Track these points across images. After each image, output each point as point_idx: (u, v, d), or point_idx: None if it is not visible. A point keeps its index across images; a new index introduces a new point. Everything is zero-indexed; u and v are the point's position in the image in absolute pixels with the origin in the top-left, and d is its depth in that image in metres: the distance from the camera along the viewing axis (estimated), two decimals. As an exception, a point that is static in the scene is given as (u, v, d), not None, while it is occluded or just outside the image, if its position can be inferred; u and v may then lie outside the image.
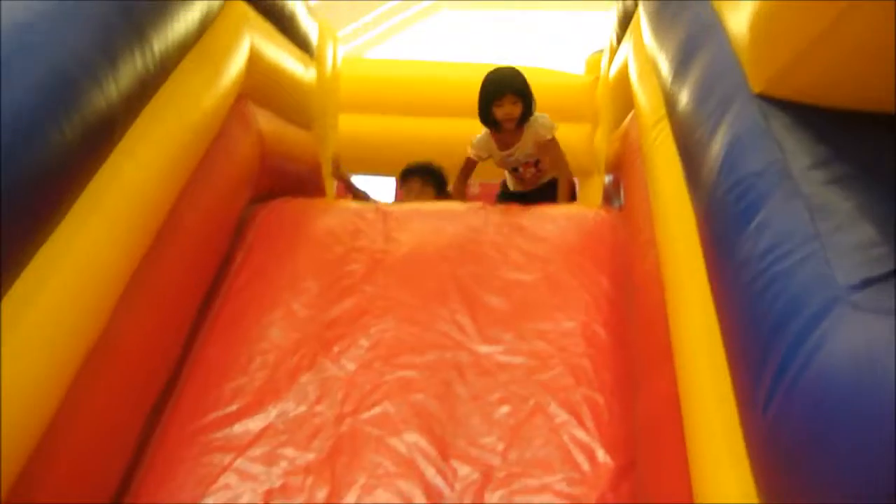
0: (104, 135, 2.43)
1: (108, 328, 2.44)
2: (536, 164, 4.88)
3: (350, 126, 6.80)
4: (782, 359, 1.45)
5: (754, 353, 1.60)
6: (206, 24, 3.23)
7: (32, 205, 2.10)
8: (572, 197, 4.99)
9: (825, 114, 1.84)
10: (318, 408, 2.91)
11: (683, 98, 2.49)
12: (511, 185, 5.09)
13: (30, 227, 2.11)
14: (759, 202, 1.75)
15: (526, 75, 4.74)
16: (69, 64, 2.26)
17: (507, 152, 4.84)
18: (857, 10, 1.45)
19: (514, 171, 4.98)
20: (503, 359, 3.11)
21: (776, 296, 1.56)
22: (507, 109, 4.65)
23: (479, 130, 5.03)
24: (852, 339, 1.34)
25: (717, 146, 2.05)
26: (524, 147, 4.80)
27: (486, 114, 4.76)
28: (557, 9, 12.31)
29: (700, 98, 2.32)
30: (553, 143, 4.76)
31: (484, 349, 3.15)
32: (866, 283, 1.41)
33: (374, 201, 4.82)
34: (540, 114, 4.75)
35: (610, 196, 4.96)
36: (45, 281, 2.16)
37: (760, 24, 1.93)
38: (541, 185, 4.93)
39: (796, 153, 1.76)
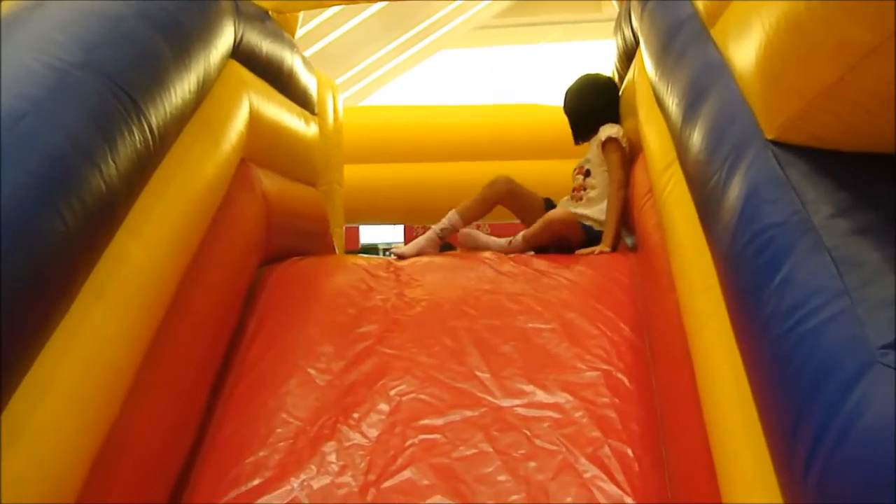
0: (106, 218, 2.39)
1: (119, 419, 2.38)
2: (587, 174, 4.71)
3: (354, 176, 6.77)
4: (818, 424, 1.40)
5: (787, 416, 1.55)
6: (203, 93, 3.19)
7: (37, 298, 2.06)
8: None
9: (843, 158, 1.79)
10: (342, 478, 2.84)
11: (694, 143, 2.44)
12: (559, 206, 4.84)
13: (37, 321, 2.07)
14: (782, 255, 1.70)
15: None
16: (66, 149, 2.23)
17: None
18: (872, 59, 1.40)
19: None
20: (527, 412, 3.04)
21: (806, 357, 1.50)
22: None
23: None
24: (889, 404, 1.28)
25: (733, 195, 2.00)
26: (590, 149, 4.76)
27: None
28: (556, 41, 12.38)
29: (712, 144, 2.28)
30: (608, 146, 4.60)
31: (506, 403, 3.08)
32: (899, 342, 1.36)
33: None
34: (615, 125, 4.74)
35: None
36: (51, 378, 2.10)
37: (770, 70, 1.88)
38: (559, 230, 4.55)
39: (816, 202, 1.71)
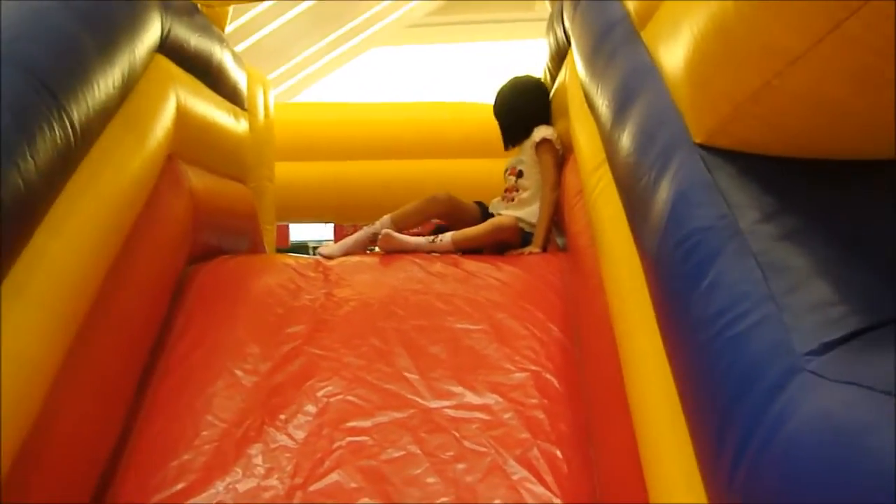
0: (24, 215, 2.34)
1: (41, 416, 2.33)
2: (519, 174, 4.73)
3: (283, 173, 6.69)
4: (743, 430, 1.40)
5: (713, 420, 1.54)
6: (128, 87, 3.14)
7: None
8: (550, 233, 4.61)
9: (770, 163, 1.79)
10: (268, 481, 2.81)
11: (624, 146, 2.44)
12: (491, 208, 4.82)
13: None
14: (708, 260, 1.70)
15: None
16: (-18, 146, 2.17)
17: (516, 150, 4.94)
18: (798, 64, 1.40)
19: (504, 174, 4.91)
20: (456, 414, 3.03)
21: (732, 362, 1.50)
22: None
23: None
24: (814, 411, 1.28)
25: (661, 198, 2.00)
26: (522, 150, 4.80)
27: None
28: (487, 39, 12.40)
29: (641, 147, 2.27)
30: (542, 148, 4.63)
31: (435, 405, 3.07)
32: (825, 349, 1.36)
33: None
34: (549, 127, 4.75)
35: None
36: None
37: (698, 74, 1.88)
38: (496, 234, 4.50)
39: (743, 206, 1.71)
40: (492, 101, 5.17)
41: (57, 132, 2.48)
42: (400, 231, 4.38)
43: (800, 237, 1.60)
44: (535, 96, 4.96)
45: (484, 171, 6.41)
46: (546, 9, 5.70)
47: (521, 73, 5.24)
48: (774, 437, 1.31)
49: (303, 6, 9.09)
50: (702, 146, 1.92)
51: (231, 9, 5.26)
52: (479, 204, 4.78)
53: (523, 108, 4.94)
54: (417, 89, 12.17)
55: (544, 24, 5.22)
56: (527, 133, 4.73)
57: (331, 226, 11.99)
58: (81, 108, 2.65)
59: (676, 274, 1.84)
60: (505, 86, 5.14)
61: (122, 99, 3.07)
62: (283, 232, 11.43)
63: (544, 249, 4.37)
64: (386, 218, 4.49)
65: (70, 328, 2.57)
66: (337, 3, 9.39)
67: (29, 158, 2.32)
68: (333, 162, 7.50)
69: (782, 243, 1.60)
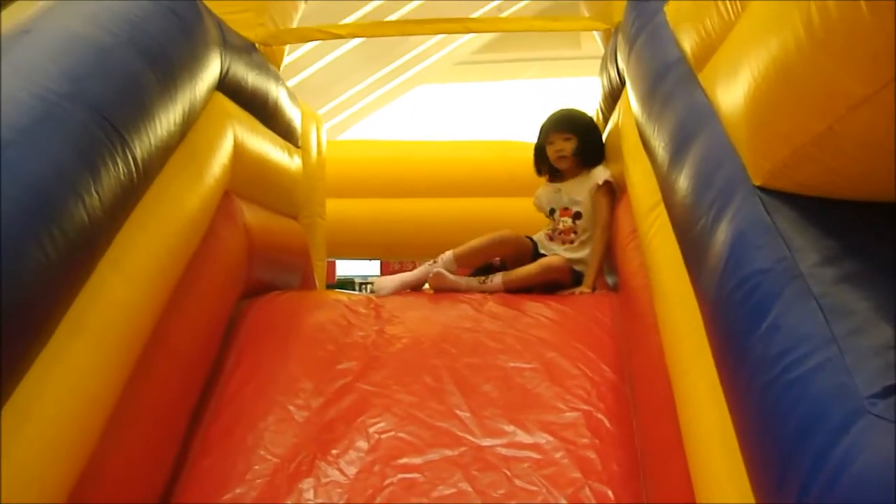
0: (87, 249, 2.38)
1: (96, 451, 2.36)
2: (576, 216, 4.58)
3: (330, 210, 6.72)
4: (806, 473, 1.40)
5: (775, 462, 1.54)
6: (188, 125, 3.19)
7: (17, 330, 2.04)
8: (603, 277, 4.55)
9: (830, 205, 1.80)
10: (320, 516, 2.83)
11: (681, 187, 2.45)
12: (540, 246, 4.66)
13: (16, 353, 2.05)
14: (769, 302, 1.70)
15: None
16: (49, 180, 2.23)
17: (555, 185, 4.71)
18: (862, 109, 1.41)
19: (551, 215, 4.70)
20: (507, 452, 3.03)
21: (794, 405, 1.50)
22: (559, 146, 4.63)
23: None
24: (878, 455, 1.28)
25: (720, 240, 2.01)
26: (575, 189, 4.59)
27: (540, 156, 4.77)
28: (535, 77, 12.45)
29: (698, 188, 2.28)
30: (603, 189, 4.46)
31: (486, 443, 3.07)
32: (888, 392, 1.36)
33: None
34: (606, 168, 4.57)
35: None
36: (28, 411, 2.08)
37: (758, 117, 1.90)
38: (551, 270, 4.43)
39: (803, 249, 1.72)
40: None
41: (121, 168, 2.53)
42: (462, 267, 4.36)
43: (860, 280, 1.61)
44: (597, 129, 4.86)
45: (530, 209, 6.42)
46: (594, 47, 5.73)
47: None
48: (838, 480, 1.31)
49: (352, 44, 9.19)
50: (760, 188, 1.93)
51: (287, 47, 5.32)
52: (529, 238, 4.70)
53: (600, 138, 4.79)
54: (464, 127, 12.24)
55: (591, 62, 5.24)
56: (589, 165, 4.63)
57: (376, 262, 12.05)
58: (144, 145, 2.70)
59: (735, 315, 1.84)
60: (575, 110, 4.92)
61: (182, 136, 3.12)
62: (330, 268, 11.50)
63: (594, 289, 4.35)
64: (449, 254, 4.40)
65: (127, 364, 2.60)
66: (385, 41, 9.49)
67: (94, 193, 2.37)
68: (380, 199, 7.54)
69: (843, 286, 1.61)
